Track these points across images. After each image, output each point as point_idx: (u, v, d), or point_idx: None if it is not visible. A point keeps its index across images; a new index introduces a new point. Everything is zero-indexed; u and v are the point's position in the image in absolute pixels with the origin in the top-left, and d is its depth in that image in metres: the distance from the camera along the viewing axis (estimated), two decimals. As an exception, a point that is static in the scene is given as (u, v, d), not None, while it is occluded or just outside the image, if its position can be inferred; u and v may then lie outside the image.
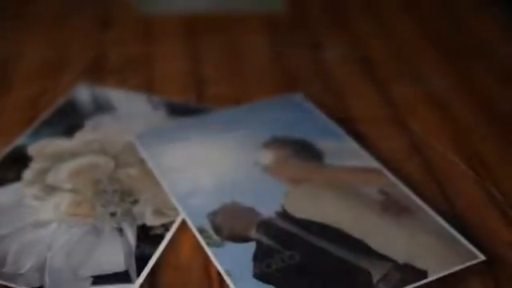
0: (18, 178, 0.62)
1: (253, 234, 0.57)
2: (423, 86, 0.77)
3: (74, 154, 0.65)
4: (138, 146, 0.66)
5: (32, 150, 0.66)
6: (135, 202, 0.60)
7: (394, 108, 0.73)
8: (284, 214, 0.59)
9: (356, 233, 0.57)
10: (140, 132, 0.69)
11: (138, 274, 0.54)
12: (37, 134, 0.68)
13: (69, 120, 0.71)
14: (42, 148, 0.66)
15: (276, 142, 0.68)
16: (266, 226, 0.57)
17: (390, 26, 0.90)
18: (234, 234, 0.57)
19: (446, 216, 0.58)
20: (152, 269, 0.54)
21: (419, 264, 0.54)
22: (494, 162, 0.66)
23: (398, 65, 0.81)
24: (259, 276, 0.53)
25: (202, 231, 0.57)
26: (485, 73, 0.79)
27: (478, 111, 0.73)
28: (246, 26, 0.90)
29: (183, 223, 0.58)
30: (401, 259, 0.54)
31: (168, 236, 0.57)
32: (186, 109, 0.73)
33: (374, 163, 0.64)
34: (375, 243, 0.56)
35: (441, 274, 0.53)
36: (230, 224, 0.58)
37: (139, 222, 0.58)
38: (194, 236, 0.57)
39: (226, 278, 0.53)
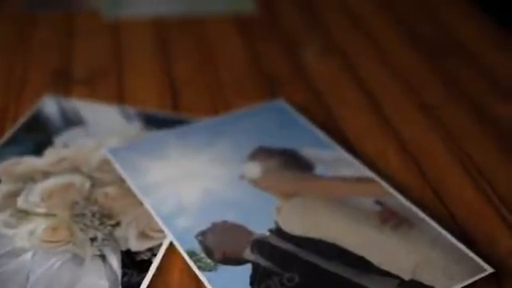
0: (-16, 202, 0.57)
1: (247, 254, 0.53)
2: (408, 88, 0.74)
3: (45, 174, 0.60)
4: (114, 163, 0.62)
5: (-2, 170, 0.61)
6: (116, 224, 0.55)
7: (380, 112, 0.71)
8: (278, 232, 0.55)
9: (356, 249, 0.53)
10: (115, 147, 0.64)
11: (126, 305, 0.49)
12: (2, 154, 0.63)
13: (36, 136, 0.65)
14: (9, 168, 0.61)
15: (261, 153, 0.64)
16: (260, 245, 0.54)
17: (366, 24, 0.87)
18: (227, 255, 0.53)
19: (447, 226, 0.56)
20: (141, 298, 0.50)
21: (426, 280, 0.51)
22: (487, 165, 0.63)
23: (378, 64, 0.79)
24: (258, 301, 0.50)
25: (192, 254, 0.53)
26: (471, 75, 0.77)
27: (470, 114, 0.70)
28: (217, 28, 0.86)
29: (171, 246, 0.54)
30: (406, 275, 0.51)
31: (156, 261, 0.52)
32: (162, 120, 0.68)
33: (366, 172, 0.61)
34: (377, 259, 0.53)
35: (450, 290, 0.51)
36: (221, 245, 0.54)
37: (123, 248, 0.53)
38: (183, 260, 0.53)
39: (222, 305, 0.49)
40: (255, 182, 0.60)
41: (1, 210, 0.56)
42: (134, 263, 0.52)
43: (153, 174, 0.61)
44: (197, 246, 0.53)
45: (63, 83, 0.74)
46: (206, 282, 0.51)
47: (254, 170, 0.62)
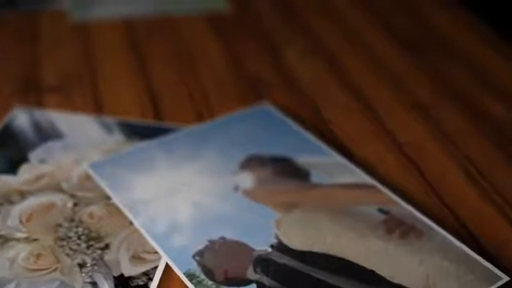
0: (-43, 228, 0.53)
1: (250, 274, 0.49)
2: (397, 87, 0.72)
3: (22, 194, 0.56)
4: (97, 179, 0.57)
5: (-30, 192, 0.56)
6: (106, 247, 0.51)
7: (372, 113, 0.68)
8: (281, 247, 0.52)
9: (365, 262, 0.50)
10: (97, 161, 0.59)
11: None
12: (-27, 173, 0.58)
13: (8, 153, 0.60)
14: (-19, 189, 0.56)
15: (253, 162, 0.60)
16: (263, 263, 0.50)
17: (347, 21, 0.84)
18: (229, 276, 0.49)
19: (455, 232, 0.53)
20: (139, 328, 0.46)
21: (441, 293, 0.48)
22: (488, 166, 0.61)
23: (363, 63, 0.76)
24: (267, 325, 0.46)
25: (191, 276, 0.49)
26: (459, 71, 0.75)
27: (463, 112, 0.68)
28: (191, 28, 0.82)
29: (168, 268, 0.50)
30: (419, 288, 0.49)
31: (153, 286, 0.48)
32: (144, 129, 0.64)
33: (364, 178, 0.58)
34: (388, 272, 0.50)
35: (467, 303, 0.48)
36: (222, 265, 0.50)
37: (115, 273, 0.49)
38: (182, 283, 0.49)
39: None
40: (249, 194, 0.57)
41: (-24, 236, 0.52)
42: (128, 290, 0.48)
43: (140, 190, 0.57)
44: (195, 267, 0.50)
45: (33, 93, 0.69)
46: (208, 307, 0.47)
47: (247, 180, 0.58)
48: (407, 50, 0.78)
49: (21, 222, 0.53)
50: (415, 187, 0.58)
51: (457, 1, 0.89)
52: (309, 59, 0.76)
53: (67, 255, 0.50)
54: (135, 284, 0.48)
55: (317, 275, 0.49)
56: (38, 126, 0.64)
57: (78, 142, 0.62)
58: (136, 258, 0.50)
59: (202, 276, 0.49)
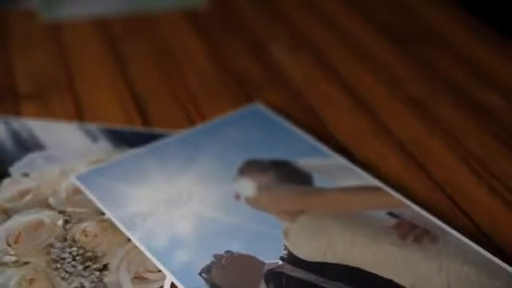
0: None
1: (263, 290, 0.46)
2: (389, 80, 0.69)
3: (6, 212, 0.51)
4: (86, 192, 0.53)
5: None
6: (104, 268, 0.47)
7: (367, 110, 0.65)
8: (292, 259, 0.48)
9: (381, 271, 0.48)
10: (84, 173, 0.55)
11: None
12: (-51, 191, 0.53)
13: (-13, 167, 0.56)
14: (-40, 208, 0.52)
15: (251, 167, 0.57)
16: (275, 277, 0.47)
17: (330, 15, 0.81)
18: (240, 294, 0.46)
19: (470, 234, 0.51)
20: None
21: (465, 300, 0.46)
22: (492, 161, 0.59)
23: (352, 57, 0.73)
24: None
25: (200, 296, 0.46)
26: (450, 63, 0.73)
27: (459, 104, 0.66)
28: (170, 26, 0.78)
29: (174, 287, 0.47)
30: (441, 297, 0.46)
31: (160, 309, 0.45)
32: (132, 136, 0.60)
33: (369, 180, 0.56)
34: (407, 281, 0.47)
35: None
36: (231, 281, 0.47)
37: (118, 296, 0.46)
38: (191, 304, 0.45)
39: None
40: (252, 202, 0.54)
41: (-40, 262, 0.47)
42: (133, 314, 0.45)
43: (135, 203, 0.53)
44: (203, 285, 0.46)
45: (7, 100, 0.64)
46: (222, 329, 0.44)
47: (248, 187, 0.55)
48: (394, 42, 0.76)
49: (8, 244, 0.49)
50: (422, 188, 0.56)
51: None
52: (296, 56, 0.73)
53: (63, 279, 0.46)
54: (140, 307, 0.45)
55: (332, 287, 0.47)
56: (16, 137, 0.59)
57: (62, 153, 0.58)
58: (138, 279, 0.47)
59: (212, 294, 0.46)
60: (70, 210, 0.52)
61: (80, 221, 0.51)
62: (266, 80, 0.69)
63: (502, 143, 0.61)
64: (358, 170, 0.57)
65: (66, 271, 0.47)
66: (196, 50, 0.74)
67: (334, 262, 0.48)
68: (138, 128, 0.61)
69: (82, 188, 0.54)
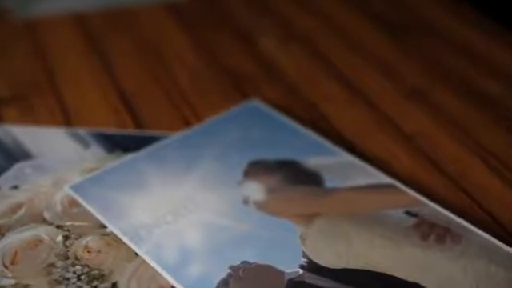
0: None
1: (286, 302, 0.43)
2: (387, 72, 0.67)
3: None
4: (83, 203, 0.50)
5: None
6: (113, 287, 0.44)
7: (370, 103, 0.62)
8: (313, 267, 0.46)
9: (405, 274, 0.45)
10: (79, 182, 0.51)
11: None
12: None
13: (-29, 180, 0.52)
14: None
15: (257, 169, 0.54)
16: (297, 287, 0.44)
17: (320, 4, 0.78)
18: (262, 308, 0.43)
19: (493, 231, 0.49)
20: None
21: (497, 303, 0.44)
22: (503, 151, 0.57)
23: (347, 49, 0.70)
24: None
25: (220, 312, 0.43)
26: (447, 52, 0.71)
27: (462, 94, 0.64)
28: (153, 21, 0.74)
29: (190, 305, 0.43)
30: (472, 300, 0.44)
31: (178, 329, 0.42)
32: (125, 140, 0.56)
33: (381, 177, 0.53)
34: (433, 284, 0.45)
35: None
36: (252, 295, 0.44)
37: (131, 317, 0.42)
38: (211, 321, 0.42)
39: None
40: (262, 207, 0.50)
41: (-48, 288, 0.43)
42: (150, 336, 0.41)
43: (137, 213, 0.49)
44: (221, 301, 0.43)
45: (-15, 105, 0.60)
46: None
47: (256, 190, 0.52)
48: (391, 34, 0.73)
49: (4, 265, 0.45)
50: (437, 184, 0.54)
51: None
52: (289, 48, 0.70)
53: (68, 301, 0.43)
54: (157, 328, 0.42)
55: (358, 296, 0.44)
56: (1, 146, 0.55)
57: (52, 161, 0.54)
58: (152, 297, 0.43)
59: (232, 310, 0.43)
60: (68, 224, 0.48)
61: (81, 236, 0.47)
62: (259, 75, 0.66)
63: (509, 133, 0.60)
64: (367, 167, 0.54)
65: (72, 292, 0.43)
66: (182, 44, 0.70)
67: (358, 268, 0.46)
68: (131, 131, 0.57)
69: (79, 199, 0.50)
